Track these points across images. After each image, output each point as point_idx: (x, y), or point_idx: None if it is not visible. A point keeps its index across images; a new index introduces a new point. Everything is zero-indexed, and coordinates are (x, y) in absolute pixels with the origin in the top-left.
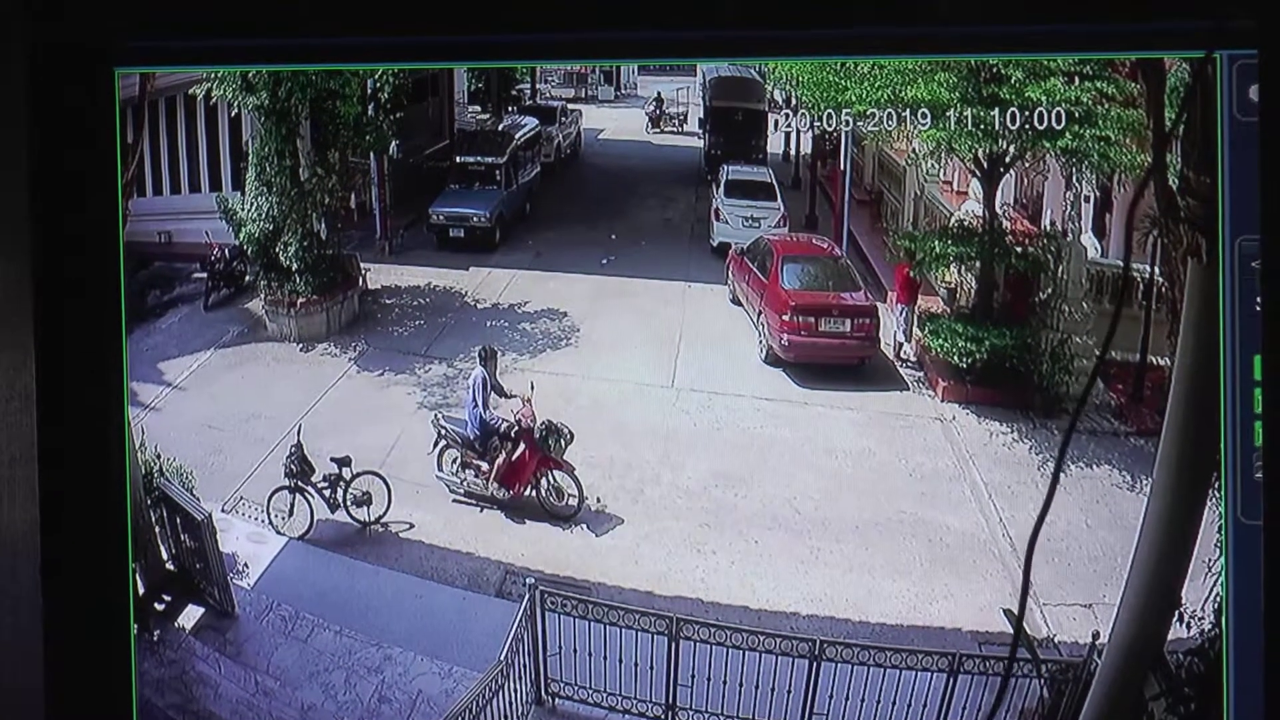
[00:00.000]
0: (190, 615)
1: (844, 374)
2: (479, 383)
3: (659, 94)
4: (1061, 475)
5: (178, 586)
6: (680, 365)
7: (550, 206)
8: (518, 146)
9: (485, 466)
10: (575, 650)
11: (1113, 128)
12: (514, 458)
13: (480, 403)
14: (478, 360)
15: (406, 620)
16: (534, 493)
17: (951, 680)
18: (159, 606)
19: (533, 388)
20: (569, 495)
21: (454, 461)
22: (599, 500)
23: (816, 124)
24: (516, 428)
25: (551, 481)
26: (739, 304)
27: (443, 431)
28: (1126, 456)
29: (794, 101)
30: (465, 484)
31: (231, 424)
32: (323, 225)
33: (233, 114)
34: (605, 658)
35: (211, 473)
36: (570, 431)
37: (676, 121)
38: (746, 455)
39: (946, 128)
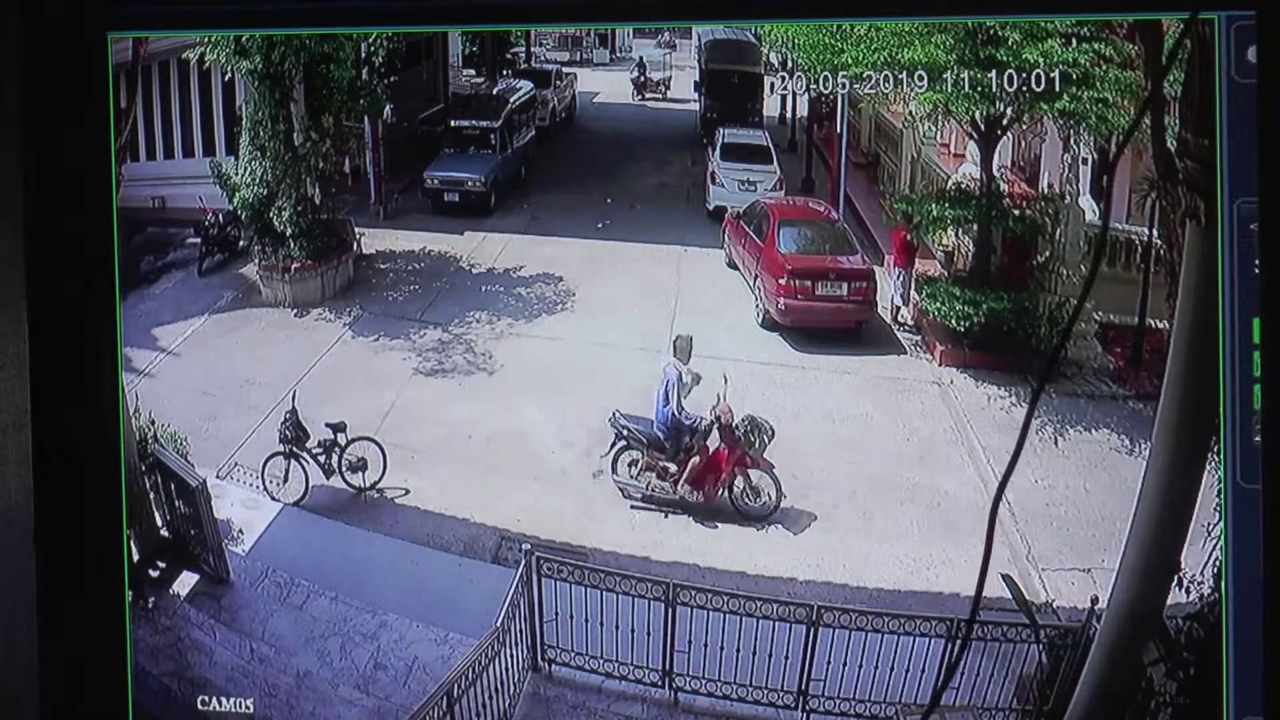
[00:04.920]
0: (185, 582)
1: (841, 338)
2: (673, 380)
3: (641, 59)
4: (1060, 440)
5: (172, 553)
6: (676, 330)
7: (545, 170)
8: (512, 110)
9: (673, 468)
10: (572, 616)
11: (1110, 89)
12: (710, 458)
13: (674, 400)
14: (672, 353)
15: (402, 586)
16: (725, 493)
17: (949, 645)
18: (153, 573)
19: (726, 381)
20: (766, 494)
21: (633, 464)
22: (596, 466)
23: (813, 87)
24: (716, 425)
25: (748, 481)
26: (735, 268)
27: (624, 432)
28: (1125, 420)
29: (790, 64)
30: (649, 487)
31: (226, 390)
32: (317, 190)
33: (226, 78)
34: (602, 624)
35: (206, 439)
36: (771, 427)
37: (661, 88)
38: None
39: (943, 90)
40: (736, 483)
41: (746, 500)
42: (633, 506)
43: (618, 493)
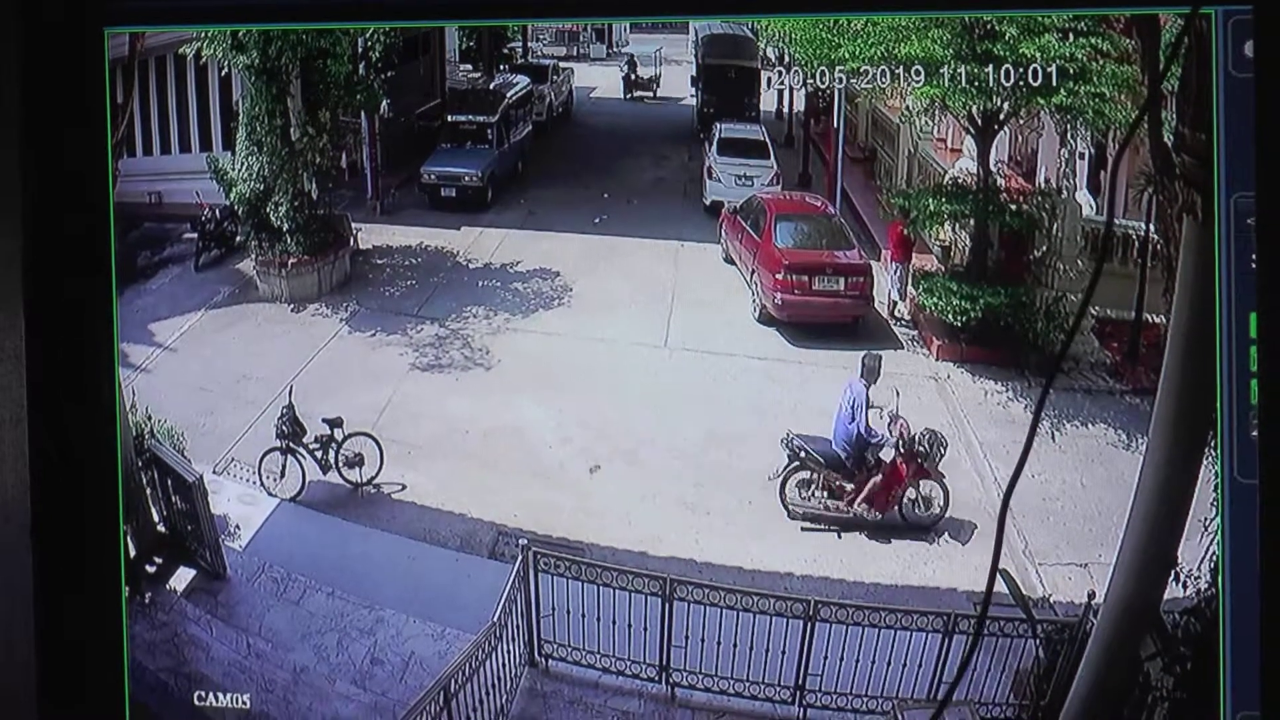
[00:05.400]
0: (182, 577)
1: (838, 333)
2: (861, 399)
3: (631, 56)
4: (1056, 434)
5: (169, 549)
6: (673, 325)
7: (542, 165)
8: (509, 105)
9: (849, 486)
10: (569, 612)
11: (1107, 84)
12: (889, 474)
13: (861, 419)
14: (860, 371)
15: (399, 582)
16: (895, 506)
17: (946, 640)
18: (150, 569)
19: (898, 395)
20: (936, 504)
21: (805, 485)
22: (593, 461)
23: (810, 81)
24: (898, 442)
25: (919, 492)
26: (732, 263)
27: (802, 454)
28: (1122, 415)
29: (787, 59)
30: (824, 507)
31: (222, 385)
32: (314, 185)
33: (223, 73)
34: (599, 619)
35: (203, 434)
36: (945, 439)
37: (653, 85)
38: (740, 415)
39: (940, 85)
40: (908, 494)
41: (917, 511)
42: (803, 529)
43: (782, 512)
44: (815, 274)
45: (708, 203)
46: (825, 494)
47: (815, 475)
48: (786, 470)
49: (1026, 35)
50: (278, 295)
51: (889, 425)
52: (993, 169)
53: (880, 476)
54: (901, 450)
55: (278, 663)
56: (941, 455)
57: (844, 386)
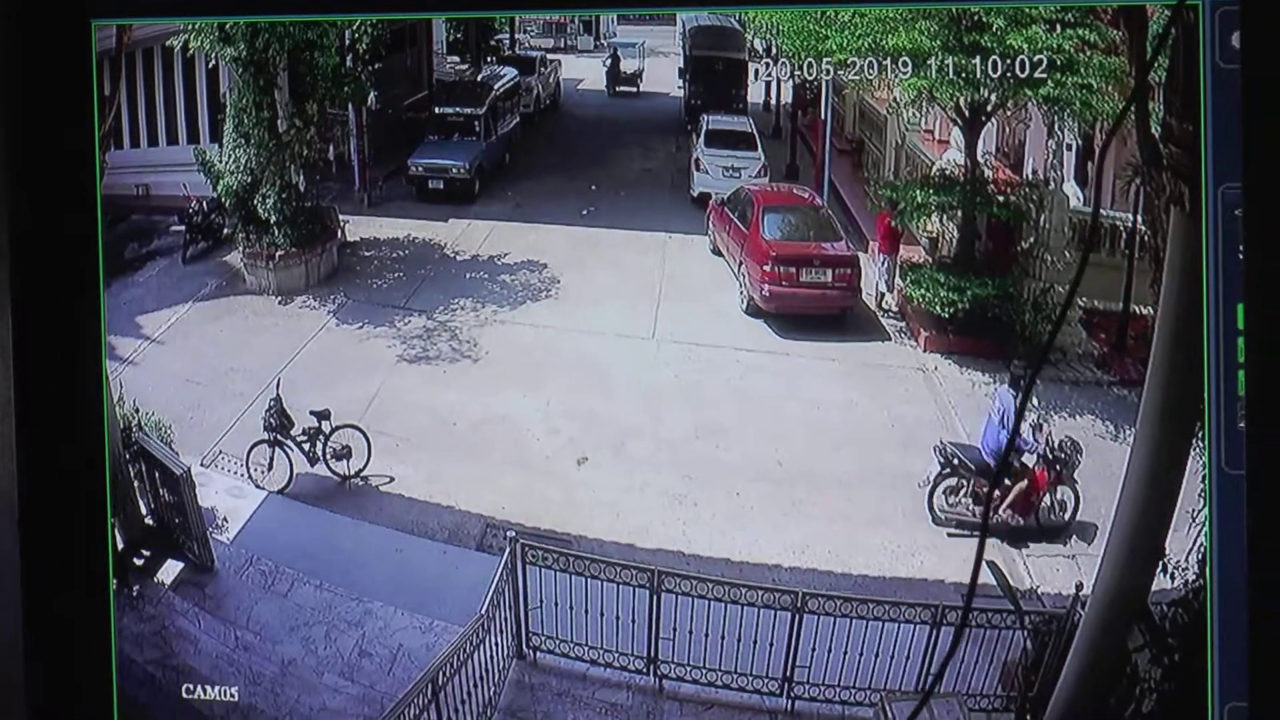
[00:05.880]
0: (169, 570)
1: (825, 324)
2: (1010, 408)
3: (614, 50)
4: (1044, 425)
5: (157, 541)
6: (661, 316)
7: (530, 157)
8: (497, 97)
9: (995, 494)
10: (556, 604)
11: (1095, 75)
12: (1032, 481)
13: (1010, 426)
14: (1009, 381)
15: (387, 574)
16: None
17: (934, 632)
18: (138, 561)
19: (1039, 404)
20: (1069, 508)
21: (953, 491)
22: (581, 453)
23: (797, 73)
24: (1044, 449)
25: (1055, 497)
26: (719, 254)
27: (954, 461)
28: (1110, 406)
29: (774, 50)
30: (971, 513)
31: (210, 377)
32: (301, 177)
33: (210, 66)
34: (587, 611)
35: (190, 427)
36: (1082, 446)
37: (637, 81)
38: (728, 407)
39: (928, 76)
40: (1045, 500)
41: (1053, 517)
42: (949, 534)
43: (928, 519)
44: (803, 266)
45: (695, 194)
46: (971, 500)
47: (964, 482)
48: (938, 477)
49: (1014, 26)
50: (265, 287)
51: (1034, 433)
52: (980, 160)
53: (1024, 483)
54: (1045, 457)
55: (266, 655)
56: (1079, 463)
57: (993, 395)
